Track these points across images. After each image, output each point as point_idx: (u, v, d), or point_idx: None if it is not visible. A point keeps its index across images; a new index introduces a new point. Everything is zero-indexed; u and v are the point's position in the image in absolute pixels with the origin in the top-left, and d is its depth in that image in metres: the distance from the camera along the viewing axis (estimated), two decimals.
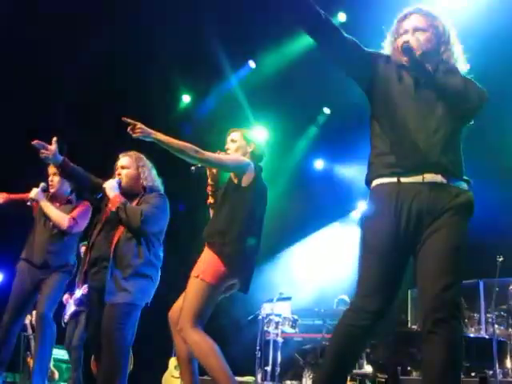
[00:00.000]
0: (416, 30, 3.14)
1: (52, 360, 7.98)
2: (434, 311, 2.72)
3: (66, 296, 7.30)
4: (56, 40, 8.49)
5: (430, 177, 2.84)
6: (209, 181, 4.40)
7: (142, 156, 4.69)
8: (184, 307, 3.91)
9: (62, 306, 8.05)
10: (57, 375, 8.01)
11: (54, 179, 5.40)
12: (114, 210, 4.32)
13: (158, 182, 4.68)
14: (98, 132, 9.21)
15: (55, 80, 9.09)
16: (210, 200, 4.40)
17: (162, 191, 4.67)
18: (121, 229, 4.35)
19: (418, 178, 2.86)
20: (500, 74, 7.71)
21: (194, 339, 3.83)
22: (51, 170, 5.40)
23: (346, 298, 8.91)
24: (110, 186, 4.43)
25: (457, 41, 3.19)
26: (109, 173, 4.68)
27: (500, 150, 8.82)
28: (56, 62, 8.84)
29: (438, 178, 2.86)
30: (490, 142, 8.85)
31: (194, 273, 4.00)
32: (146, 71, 9.37)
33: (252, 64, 10.10)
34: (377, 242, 2.87)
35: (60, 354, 8.62)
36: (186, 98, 10.89)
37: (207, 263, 3.99)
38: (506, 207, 8.72)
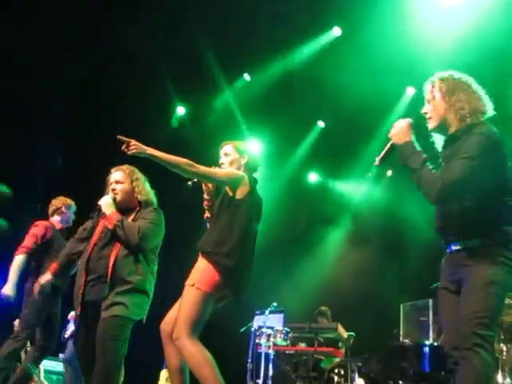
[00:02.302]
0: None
1: (43, 371, 7.95)
2: None
3: (72, 313, 7.29)
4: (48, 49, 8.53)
5: None
6: (205, 195, 4.40)
7: (135, 169, 4.62)
8: (180, 316, 3.88)
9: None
10: None
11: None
12: (111, 227, 4.28)
13: (152, 195, 4.62)
14: (94, 143, 9.23)
15: (53, 92, 9.15)
16: (207, 215, 4.40)
17: (156, 204, 4.61)
18: (117, 246, 4.29)
19: None
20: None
21: (189, 349, 3.80)
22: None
23: (325, 309, 8.92)
24: (106, 203, 4.39)
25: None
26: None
27: None
28: (49, 73, 8.88)
29: None
30: None
31: (189, 281, 3.98)
32: (141, 83, 9.41)
33: (247, 77, 10.16)
34: None
35: (51, 365, 8.58)
36: (181, 110, 10.92)
37: (202, 272, 3.97)
38: None
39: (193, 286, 3.93)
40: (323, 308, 8.97)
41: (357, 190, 11.40)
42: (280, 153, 10.85)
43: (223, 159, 4.41)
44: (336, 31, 9.12)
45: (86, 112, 9.55)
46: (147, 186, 4.63)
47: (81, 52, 8.79)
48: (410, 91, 9.77)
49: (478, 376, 2.94)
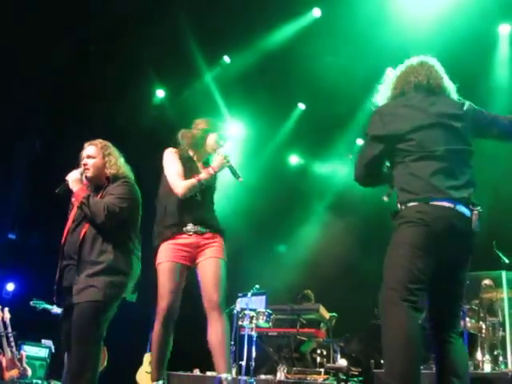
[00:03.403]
0: None
1: (25, 357, 7.92)
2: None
3: None
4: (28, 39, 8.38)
5: None
6: None
7: (108, 144, 4.41)
8: (220, 287, 4.21)
9: None
10: (29, 372, 7.93)
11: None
12: (77, 204, 4.09)
13: (125, 169, 4.36)
14: (74, 128, 9.13)
15: (30, 80, 9.00)
16: None
17: (130, 178, 4.36)
18: (86, 225, 4.10)
19: None
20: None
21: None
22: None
23: (308, 292, 9.00)
24: (74, 179, 4.17)
25: None
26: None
27: None
28: (29, 62, 8.74)
29: None
30: None
31: (218, 254, 4.28)
32: (120, 67, 9.30)
33: (227, 59, 10.08)
34: None
35: (34, 351, 8.56)
36: (161, 93, 10.82)
37: (223, 248, 4.38)
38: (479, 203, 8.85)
39: (221, 258, 4.30)
40: (307, 291, 9.03)
41: (337, 171, 11.43)
42: (260, 135, 10.82)
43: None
44: (316, 12, 9.07)
45: (65, 96, 9.42)
46: (121, 161, 4.39)
47: (58, 36, 8.64)
48: (391, 73, 9.75)
49: None
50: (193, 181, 4.32)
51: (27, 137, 9.68)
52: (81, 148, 4.43)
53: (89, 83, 9.35)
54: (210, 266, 4.24)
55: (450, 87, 3.59)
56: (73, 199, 4.20)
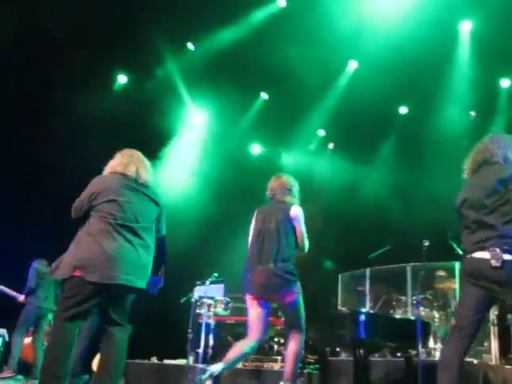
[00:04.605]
0: None
1: None
2: None
3: None
4: None
5: None
6: None
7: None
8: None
9: None
10: None
11: None
12: None
13: (110, 166, 4.35)
14: (33, 114, 8.95)
15: None
16: None
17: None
18: None
19: None
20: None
21: None
22: None
23: None
24: None
25: None
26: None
27: None
28: None
29: None
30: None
31: None
32: (83, 52, 9.12)
33: (191, 46, 9.99)
34: None
35: None
36: (123, 79, 10.67)
37: None
38: (434, 199, 9.08)
39: None
40: None
41: (299, 161, 11.50)
42: (223, 124, 10.79)
43: None
44: (281, 2, 9.06)
45: (25, 82, 9.19)
46: (113, 162, 4.39)
47: (19, 21, 8.42)
48: (353, 64, 9.85)
49: None
50: None
51: None
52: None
53: (48, 69, 9.15)
54: None
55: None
56: None
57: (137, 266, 3.98)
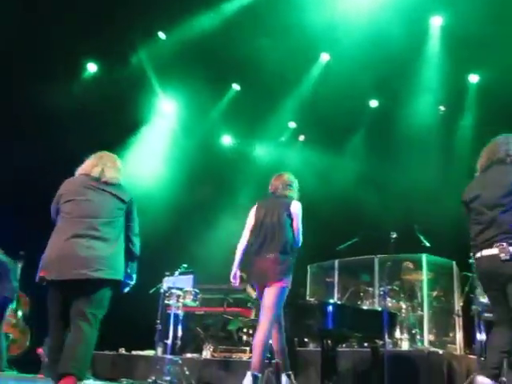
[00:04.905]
0: None
1: None
2: None
3: None
4: None
5: None
6: None
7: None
8: None
9: None
10: None
11: None
12: None
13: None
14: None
15: None
16: None
17: None
18: None
19: None
20: None
21: None
22: None
23: (244, 275, 9.07)
24: None
25: None
26: None
27: None
28: None
29: None
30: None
31: None
32: (48, 36, 8.95)
33: (162, 35, 9.89)
34: None
35: None
36: (92, 67, 10.50)
37: None
38: (403, 192, 9.22)
39: None
40: (242, 273, 9.06)
41: (269, 153, 11.52)
42: (194, 114, 10.74)
43: None
44: None
45: None
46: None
47: None
48: (325, 57, 9.88)
49: None
50: None
51: None
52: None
53: (14, 58, 8.95)
54: None
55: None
56: None
57: (92, 259, 4.07)
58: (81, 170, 4.46)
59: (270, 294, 4.88)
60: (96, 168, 4.38)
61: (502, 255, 3.65)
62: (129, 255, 4.38)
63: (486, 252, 3.75)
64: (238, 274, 5.29)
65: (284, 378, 5.07)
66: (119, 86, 9.91)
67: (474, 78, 9.77)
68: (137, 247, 4.44)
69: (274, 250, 4.94)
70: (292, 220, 5.01)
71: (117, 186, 4.39)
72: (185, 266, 7.78)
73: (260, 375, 4.67)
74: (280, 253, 4.92)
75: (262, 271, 4.97)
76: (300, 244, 5.17)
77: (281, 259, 4.91)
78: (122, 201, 4.33)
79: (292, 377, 5.22)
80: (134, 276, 4.48)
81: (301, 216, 5.08)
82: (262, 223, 5.11)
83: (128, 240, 4.38)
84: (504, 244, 3.66)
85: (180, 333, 7.39)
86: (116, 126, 9.53)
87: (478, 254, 3.84)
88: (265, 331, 4.86)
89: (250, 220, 5.24)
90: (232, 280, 5.32)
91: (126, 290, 4.48)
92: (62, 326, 4.13)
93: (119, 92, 9.75)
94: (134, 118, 10.11)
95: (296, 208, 5.07)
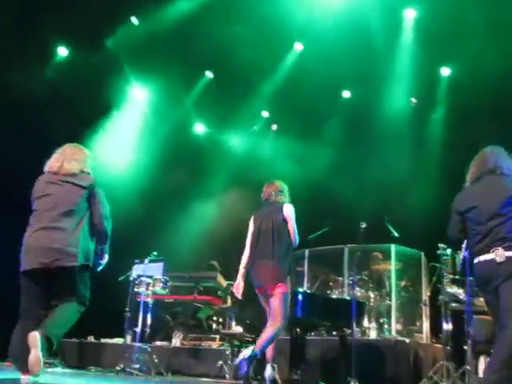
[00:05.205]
0: None
1: None
2: None
3: None
4: None
5: None
6: None
7: None
8: None
9: None
10: None
11: None
12: None
13: None
14: None
15: None
16: None
17: None
18: None
19: None
20: None
21: None
22: None
23: (215, 263, 9.07)
24: None
25: None
26: None
27: None
28: None
29: None
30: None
31: None
32: (16, 20, 8.76)
33: (135, 21, 9.75)
34: None
35: None
36: (63, 52, 10.30)
37: None
38: (373, 182, 9.30)
39: None
40: (213, 262, 9.07)
41: (242, 142, 11.50)
42: (166, 101, 10.63)
43: None
44: None
45: None
46: None
47: None
48: (299, 46, 9.87)
49: None
50: None
51: None
52: None
53: None
54: None
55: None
56: None
57: (52, 249, 4.30)
58: (46, 167, 4.70)
59: (275, 302, 5.18)
60: (57, 163, 4.63)
61: (498, 258, 3.92)
62: (97, 237, 4.59)
63: (484, 257, 4.00)
64: (242, 284, 5.50)
65: (268, 368, 5.36)
66: (91, 71, 9.73)
67: (445, 71, 9.87)
68: (103, 228, 4.56)
69: (271, 255, 5.26)
70: (287, 222, 5.35)
71: (76, 175, 4.59)
72: (155, 253, 7.75)
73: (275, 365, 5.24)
74: (278, 258, 5.24)
75: (262, 276, 5.28)
76: (297, 242, 5.51)
77: (278, 264, 5.22)
78: (82, 187, 4.53)
79: (276, 369, 5.51)
80: (106, 255, 4.74)
81: (294, 217, 5.43)
82: (260, 231, 5.47)
83: (93, 223, 4.54)
84: (499, 248, 3.92)
85: (149, 321, 7.36)
86: (87, 111, 9.40)
87: (476, 260, 4.08)
88: (273, 329, 5.13)
89: (249, 232, 5.60)
90: (235, 290, 5.56)
91: (99, 268, 4.75)
92: (31, 321, 4.25)
93: (91, 77, 9.58)
94: (106, 103, 9.95)
95: (289, 210, 5.42)
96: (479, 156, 4.36)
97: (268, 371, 5.35)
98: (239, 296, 5.55)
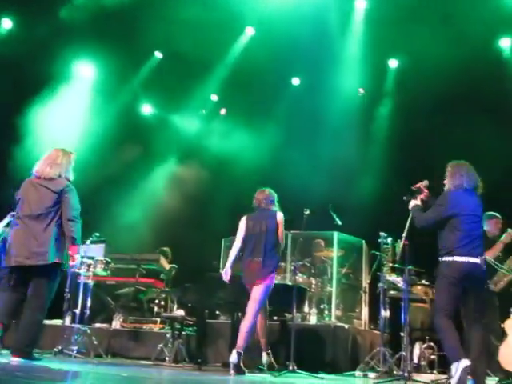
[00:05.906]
0: None
1: None
2: None
3: None
4: None
5: None
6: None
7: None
8: None
9: None
10: None
11: None
12: None
13: None
14: None
15: None
16: None
17: None
18: None
19: None
20: None
21: None
22: None
23: (166, 249, 9.01)
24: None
25: None
26: None
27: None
28: None
29: None
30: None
31: None
32: None
33: None
34: None
35: None
36: (7, 24, 9.93)
37: None
38: (319, 169, 9.39)
39: None
40: (165, 248, 8.99)
41: (190, 124, 11.40)
42: (113, 80, 10.40)
43: None
44: None
45: None
46: None
47: None
48: (250, 31, 9.84)
49: None
50: None
51: None
52: None
53: None
54: None
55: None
56: None
57: (26, 249, 4.92)
58: (34, 170, 5.19)
59: (257, 290, 5.69)
60: (38, 167, 5.18)
61: (484, 266, 4.61)
62: (66, 238, 5.02)
63: (473, 260, 4.56)
64: (230, 272, 5.90)
65: (264, 355, 6.10)
66: (36, 43, 9.44)
67: (393, 63, 10.03)
68: (71, 231, 4.99)
69: (261, 254, 5.83)
70: (278, 228, 5.97)
71: (52, 180, 5.10)
72: (97, 234, 7.61)
73: (242, 352, 5.45)
74: (266, 257, 5.82)
75: (252, 272, 5.77)
76: (284, 245, 6.23)
77: (266, 262, 5.79)
78: (54, 192, 5.04)
79: (271, 355, 6.15)
80: (76, 256, 5.10)
81: (283, 224, 6.03)
82: (252, 233, 6.01)
83: (62, 225, 5.03)
84: (483, 256, 4.62)
85: (89, 302, 7.25)
86: (30, 87, 9.12)
87: (464, 259, 4.55)
88: (251, 320, 5.62)
89: (241, 231, 6.11)
90: (223, 276, 5.92)
91: (66, 267, 5.21)
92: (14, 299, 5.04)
93: (35, 50, 9.30)
94: (49, 79, 9.65)
95: (280, 218, 6.04)
96: (470, 169, 4.88)
97: (264, 358, 6.07)
98: (227, 280, 5.89)
